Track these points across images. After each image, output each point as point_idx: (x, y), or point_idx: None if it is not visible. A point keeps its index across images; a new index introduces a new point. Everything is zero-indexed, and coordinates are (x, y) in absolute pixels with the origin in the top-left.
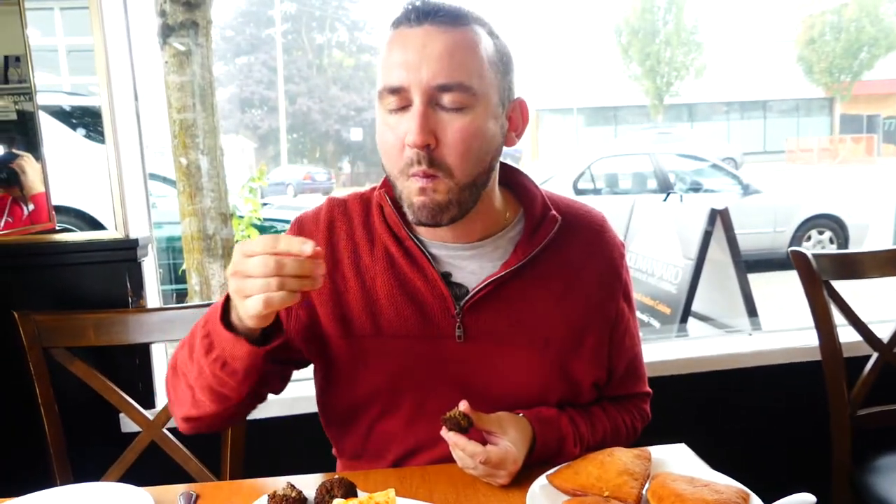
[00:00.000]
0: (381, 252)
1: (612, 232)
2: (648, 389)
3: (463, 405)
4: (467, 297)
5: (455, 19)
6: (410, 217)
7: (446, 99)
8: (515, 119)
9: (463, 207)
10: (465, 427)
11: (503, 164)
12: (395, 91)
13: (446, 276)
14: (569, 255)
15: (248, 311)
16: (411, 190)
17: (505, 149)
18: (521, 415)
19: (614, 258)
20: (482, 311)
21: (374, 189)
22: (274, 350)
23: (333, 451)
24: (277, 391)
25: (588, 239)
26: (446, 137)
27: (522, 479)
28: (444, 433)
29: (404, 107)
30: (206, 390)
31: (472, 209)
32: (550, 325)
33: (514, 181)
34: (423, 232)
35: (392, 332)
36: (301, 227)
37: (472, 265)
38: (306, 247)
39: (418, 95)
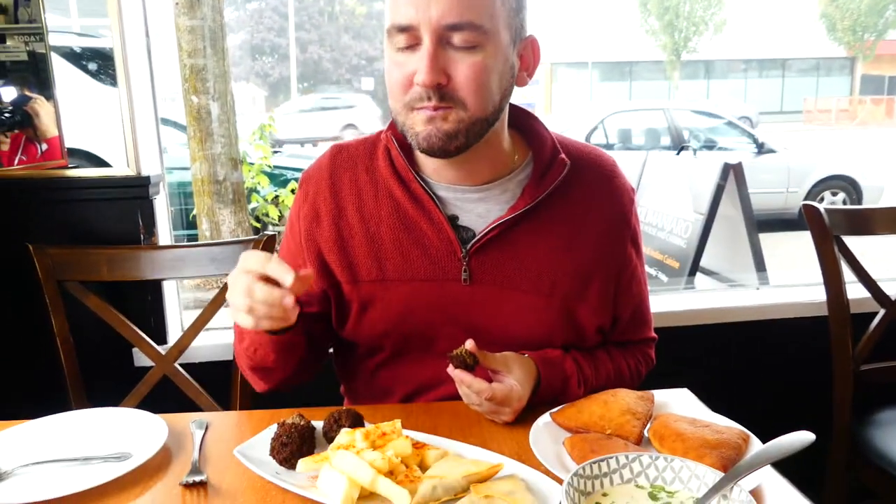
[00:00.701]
0: (386, 196)
1: (622, 177)
2: (654, 335)
3: (469, 344)
4: (474, 241)
5: None
6: (416, 146)
7: (456, 38)
8: (527, 57)
9: (470, 138)
10: (471, 365)
11: (514, 107)
12: (404, 29)
13: (453, 220)
14: (577, 199)
15: (238, 322)
16: (417, 120)
17: (519, 103)
18: (525, 355)
19: (624, 203)
20: (488, 255)
21: (380, 133)
22: (295, 329)
23: (342, 389)
24: (326, 352)
25: (597, 183)
26: (457, 76)
27: (526, 416)
28: (451, 370)
29: (412, 45)
30: (252, 370)
31: (477, 143)
32: (557, 270)
33: (524, 124)
34: (429, 174)
35: (398, 276)
36: (307, 186)
37: (479, 208)
38: (287, 278)
39: (428, 34)
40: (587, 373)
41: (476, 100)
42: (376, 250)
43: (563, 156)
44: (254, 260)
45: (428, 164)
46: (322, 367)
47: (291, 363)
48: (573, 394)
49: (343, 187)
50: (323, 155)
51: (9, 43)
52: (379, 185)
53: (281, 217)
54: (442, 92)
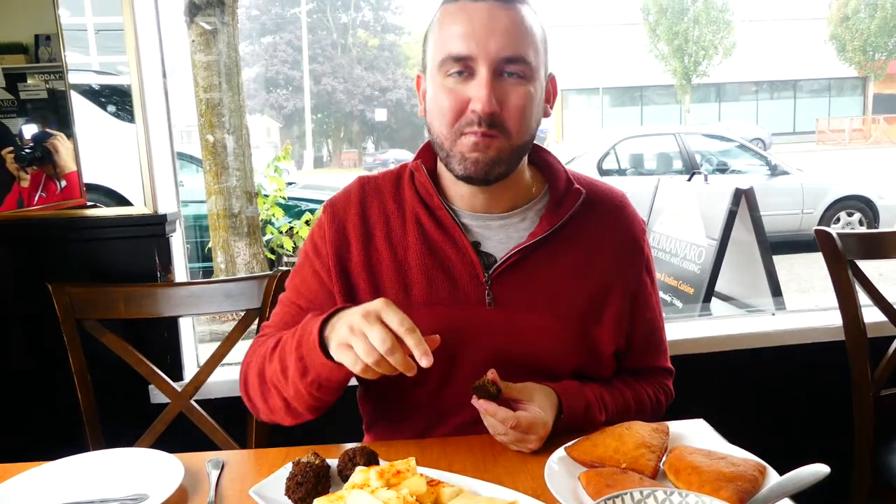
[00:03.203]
0: (413, 222)
1: (632, 208)
2: (670, 366)
3: (491, 374)
4: (496, 266)
5: None
6: (461, 172)
7: (510, 69)
8: (549, 92)
9: (510, 166)
10: (495, 394)
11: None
12: (460, 59)
13: (476, 245)
14: (591, 227)
15: (339, 357)
16: (465, 145)
17: None
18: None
19: (635, 232)
20: (509, 280)
21: (404, 166)
22: None
23: (364, 426)
24: None
25: (609, 214)
26: (509, 104)
27: (541, 451)
28: (475, 401)
29: (464, 73)
30: (302, 405)
31: (515, 171)
32: (573, 294)
33: (539, 158)
34: (454, 201)
35: (423, 300)
36: (334, 211)
37: (500, 235)
38: (425, 360)
39: (485, 65)
40: (606, 399)
41: (520, 129)
42: (403, 275)
43: (577, 186)
44: (396, 321)
45: (454, 193)
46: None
47: (339, 394)
48: (595, 420)
49: (372, 214)
50: (351, 184)
51: (30, 81)
52: (406, 213)
53: (296, 248)
54: (492, 120)
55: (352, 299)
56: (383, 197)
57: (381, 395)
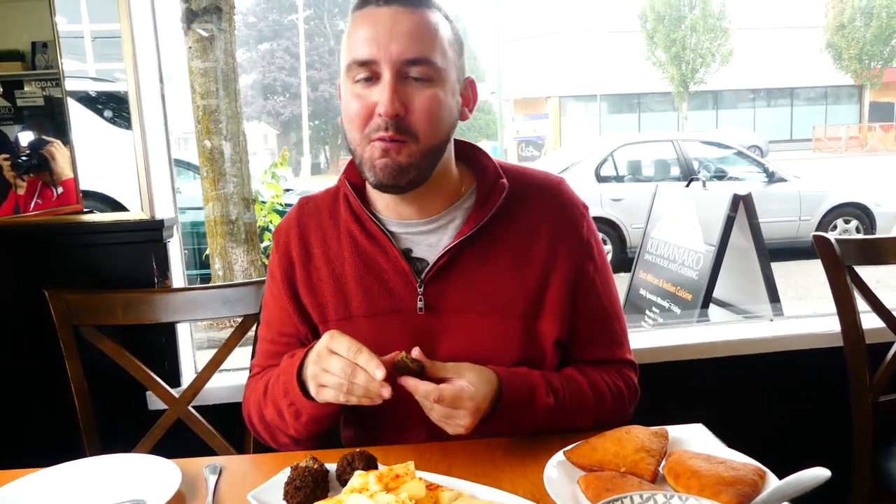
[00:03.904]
0: (346, 237)
1: (570, 194)
2: (631, 358)
3: (415, 351)
4: (426, 270)
5: (418, 2)
6: (372, 180)
7: (414, 72)
8: (467, 96)
9: (422, 171)
10: (417, 371)
11: (461, 142)
12: (365, 64)
13: (406, 253)
14: (522, 218)
15: (321, 398)
16: (374, 153)
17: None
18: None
19: (573, 218)
20: (442, 283)
21: (341, 180)
22: None
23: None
24: None
25: (543, 202)
26: (414, 106)
27: (540, 454)
28: (400, 380)
29: (371, 79)
30: (307, 437)
31: (429, 176)
32: (510, 288)
33: (470, 157)
34: (383, 211)
35: (362, 311)
36: (278, 236)
37: (430, 239)
38: (378, 372)
39: (388, 69)
40: (555, 383)
41: (428, 131)
42: (342, 288)
43: (503, 180)
44: (344, 347)
45: (381, 203)
46: None
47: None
48: (543, 403)
49: (310, 234)
50: (292, 208)
51: (26, 89)
52: (340, 228)
53: None
54: (399, 124)
55: (304, 318)
56: (320, 215)
57: (343, 413)
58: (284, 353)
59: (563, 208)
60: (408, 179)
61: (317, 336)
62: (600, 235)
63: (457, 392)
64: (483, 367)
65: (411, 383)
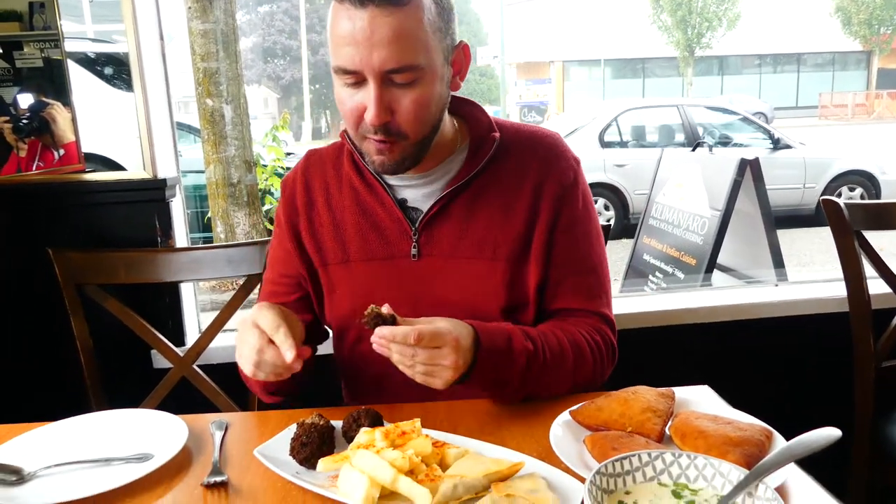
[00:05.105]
0: (348, 187)
1: (562, 147)
2: (608, 313)
3: (385, 308)
4: (421, 218)
5: (394, 0)
6: (370, 168)
7: (398, 78)
8: (458, 62)
9: (417, 158)
10: (389, 320)
11: (457, 98)
12: (349, 72)
13: (402, 202)
14: (512, 168)
15: (243, 369)
16: (370, 149)
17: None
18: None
19: (563, 169)
20: (435, 230)
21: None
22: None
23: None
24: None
25: (533, 154)
26: (401, 109)
27: (545, 414)
28: (373, 337)
29: (358, 82)
30: (266, 393)
31: (425, 155)
32: (497, 235)
33: (466, 112)
34: None
35: (358, 256)
36: (284, 185)
37: (425, 190)
38: (289, 354)
39: (372, 78)
40: (531, 332)
41: (417, 129)
42: (341, 235)
43: (495, 133)
44: (266, 321)
45: None
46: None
47: (303, 378)
48: (522, 347)
49: (314, 183)
50: (299, 161)
51: (25, 50)
52: (343, 179)
53: None
54: (387, 127)
55: (304, 261)
56: (325, 166)
57: (338, 359)
58: (284, 293)
59: (552, 158)
60: (404, 168)
61: (316, 279)
62: (602, 201)
63: (434, 329)
64: (456, 320)
65: (387, 331)
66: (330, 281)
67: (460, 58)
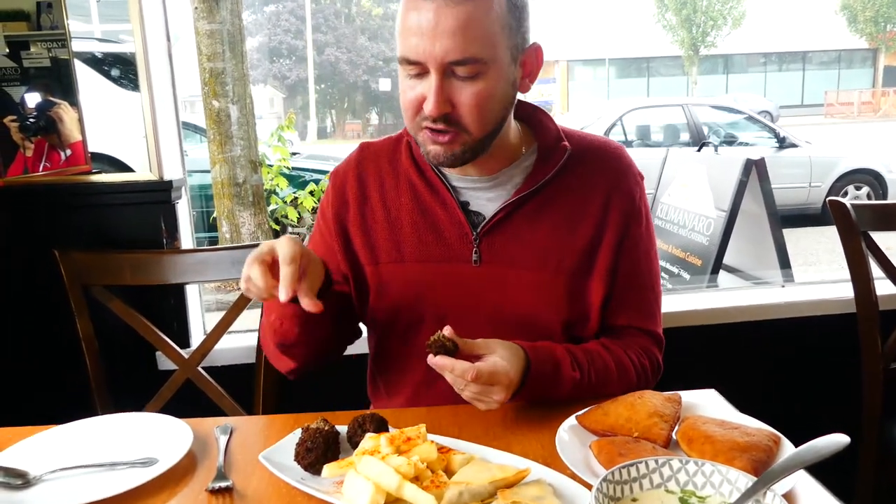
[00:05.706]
0: (406, 185)
1: (627, 160)
2: (659, 332)
3: (447, 330)
4: (483, 224)
5: None
6: (426, 159)
7: (460, 70)
8: (530, 64)
9: (476, 153)
10: (451, 349)
11: (523, 103)
12: (413, 62)
13: (464, 205)
14: (580, 180)
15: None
16: (427, 138)
17: (536, 101)
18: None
19: (629, 185)
20: (497, 237)
21: (405, 131)
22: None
23: (368, 391)
24: (356, 332)
25: (601, 166)
26: (461, 102)
27: (552, 419)
28: (431, 360)
29: (421, 73)
30: (277, 346)
31: (487, 151)
32: (561, 247)
33: (532, 118)
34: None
35: (414, 257)
36: (335, 177)
37: (488, 194)
38: (282, 294)
39: (434, 69)
40: (580, 358)
41: (479, 124)
42: (396, 234)
43: (565, 143)
44: (283, 252)
45: None
46: (342, 351)
47: (315, 338)
48: (568, 377)
49: (368, 177)
50: (352, 152)
51: (32, 49)
52: (400, 175)
53: (300, 219)
54: (447, 118)
55: (348, 258)
56: (380, 161)
57: (375, 359)
58: None
59: (620, 173)
60: (461, 162)
61: (358, 279)
62: None
63: (492, 369)
64: (511, 343)
65: (448, 363)
66: (380, 280)
67: (532, 59)
